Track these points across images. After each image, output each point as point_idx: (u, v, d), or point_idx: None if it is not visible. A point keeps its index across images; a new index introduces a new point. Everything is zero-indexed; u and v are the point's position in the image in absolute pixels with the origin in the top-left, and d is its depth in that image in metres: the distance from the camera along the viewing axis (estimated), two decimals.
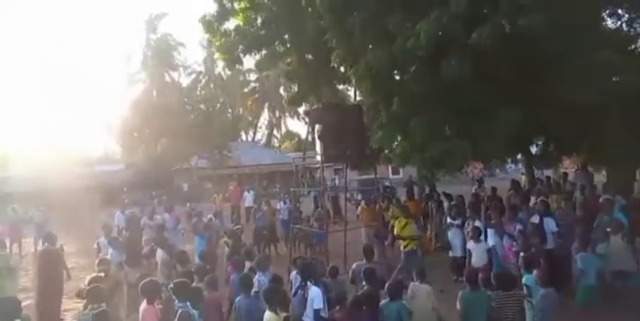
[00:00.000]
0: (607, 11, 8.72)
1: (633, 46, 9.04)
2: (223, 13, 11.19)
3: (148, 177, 31.96)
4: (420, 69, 7.26)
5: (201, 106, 36.33)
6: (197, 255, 7.74)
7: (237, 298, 5.33)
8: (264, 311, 4.77)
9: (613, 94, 6.29)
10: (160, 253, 7.64)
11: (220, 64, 29.69)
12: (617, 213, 7.74)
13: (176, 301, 4.61)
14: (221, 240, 10.52)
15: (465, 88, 7.08)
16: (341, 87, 10.11)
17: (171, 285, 4.79)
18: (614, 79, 6.86)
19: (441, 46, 6.55)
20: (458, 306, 5.10)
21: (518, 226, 7.65)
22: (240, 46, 10.99)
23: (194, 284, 5.80)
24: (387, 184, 21.85)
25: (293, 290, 5.69)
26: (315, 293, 5.15)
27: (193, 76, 43.42)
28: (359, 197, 19.49)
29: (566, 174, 13.02)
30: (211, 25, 11.02)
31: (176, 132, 32.22)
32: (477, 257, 7.56)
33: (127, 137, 34.87)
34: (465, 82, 6.82)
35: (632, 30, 8.96)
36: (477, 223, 8.22)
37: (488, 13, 6.29)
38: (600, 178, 11.66)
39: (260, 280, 5.87)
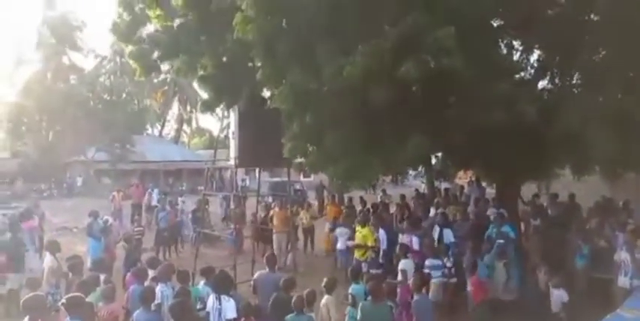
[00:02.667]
0: (504, 42, 9.56)
1: (523, 74, 10.00)
2: (136, 21, 10.57)
3: (37, 168, 29.01)
4: (343, 92, 7.46)
5: (104, 95, 33.75)
6: (90, 261, 7.12)
7: (136, 312, 5.00)
8: None
9: (505, 122, 6.95)
10: (49, 259, 6.93)
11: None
12: (505, 226, 8.51)
13: (67, 318, 4.19)
14: (120, 243, 9.85)
15: (380, 112, 7.41)
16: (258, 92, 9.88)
17: (64, 300, 4.35)
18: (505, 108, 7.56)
19: (367, 79, 6.81)
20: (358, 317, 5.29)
21: (414, 240, 8.12)
22: (156, 53, 10.42)
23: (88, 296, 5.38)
24: (297, 187, 21.95)
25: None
26: (229, 305, 5.01)
27: (97, 61, 40.19)
28: (269, 200, 19.44)
29: (462, 187, 14.10)
30: (123, 34, 10.35)
31: (72, 120, 29.57)
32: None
33: (13, 123, 31.29)
34: (383, 107, 7.14)
35: (523, 59, 9.91)
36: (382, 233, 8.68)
37: (414, 49, 6.67)
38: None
39: (162, 290, 5.58)
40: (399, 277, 6.92)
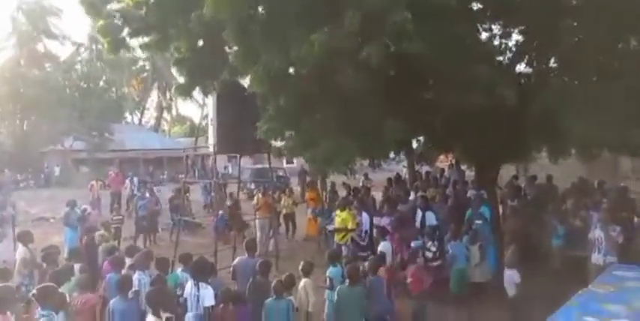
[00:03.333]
0: (482, 26, 9.54)
1: (501, 58, 10.04)
2: None
3: (13, 158, 28.33)
4: (315, 73, 7.37)
5: (80, 83, 32.89)
6: (67, 251, 6.99)
7: (112, 301, 4.94)
8: (141, 313, 4.49)
9: (483, 105, 6.96)
10: (21, 250, 6.77)
11: None
12: (483, 207, 8.62)
13: (39, 309, 4.11)
14: (97, 232, 9.70)
15: (354, 95, 7.35)
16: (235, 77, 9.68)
17: (34, 291, 4.25)
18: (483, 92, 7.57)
19: (336, 58, 6.72)
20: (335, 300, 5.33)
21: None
22: (126, 29, 10.05)
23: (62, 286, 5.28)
24: (280, 173, 21.89)
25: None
26: (207, 292, 4.98)
27: (73, 48, 39.07)
28: (252, 186, 19.34)
29: (442, 169, 14.23)
30: (93, 6, 9.92)
31: (48, 109, 28.82)
32: None
33: None
34: (355, 91, 7.08)
35: (502, 43, 9.94)
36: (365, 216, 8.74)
37: (376, 32, 6.59)
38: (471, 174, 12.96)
39: (140, 278, 5.51)
40: None
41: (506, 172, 13.24)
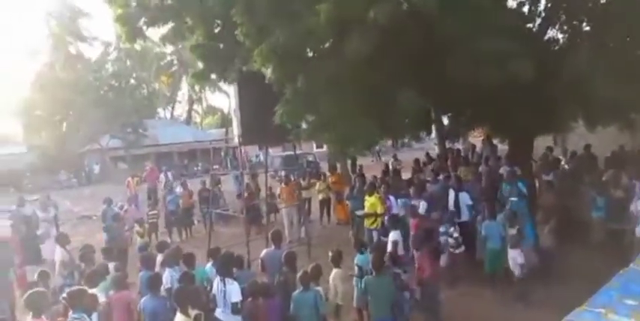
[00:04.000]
0: None
1: (531, 25, 9.49)
2: None
3: (55, 159, 29.57)
4: (325, 48, 7.11)
5: (112, 82, 33.73)
6: (101, 250, 7.19)
7: (143, 299, 5.05)
8: (172, 311, 4.56)
9: (504, 80, 6.58)
10: (59, 252, 7.04)
11: None
12: (518, 183, 8.26)
13: (71, 312, 4.24)
14: (135, 229, 9.99)
15: (369, 67, 7.05)
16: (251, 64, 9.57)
17: (65, 295, 4.38)
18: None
19: (344, 26, 6.41)
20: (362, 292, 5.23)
21: (422, 203, 7.96)
22: (143, 18, 10.04)
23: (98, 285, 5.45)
24: (310, 159, 21.87)
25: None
26: (233, 287, 5.01)
27: (103, 48, 39.98)
28: (283, 174, 19.41)
29: (474, 146, 13.78)
30: None
31: (84, 110, 29.78)
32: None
33: (29, 116, 31.69)
34: (369, 61, 6.78)
35: (531, 10, 9.38)
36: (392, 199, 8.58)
37: None
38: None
39: (171, 275, 5.61)
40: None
41: (543, 143, 12.70)
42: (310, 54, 7.65)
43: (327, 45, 7.11)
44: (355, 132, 7.01)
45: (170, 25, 10.54)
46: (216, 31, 10.07)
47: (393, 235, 6.99)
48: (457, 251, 7.26)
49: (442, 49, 7.01)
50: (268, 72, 7.52)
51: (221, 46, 10.19)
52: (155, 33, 11.09)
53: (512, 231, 6.76)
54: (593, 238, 7.43)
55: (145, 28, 10.22)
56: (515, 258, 6.41)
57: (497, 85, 7.05)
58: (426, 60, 7.29)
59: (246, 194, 11.68)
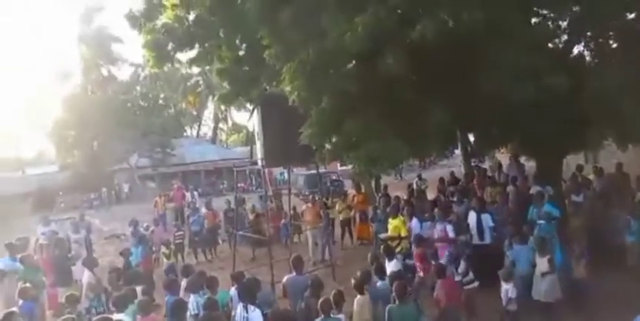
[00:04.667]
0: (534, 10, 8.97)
1: (557, 41, 9.37)
2: (151, 10, 10.53)
3: (86, 179, 30.39)
4: (355, 66, 7.13)
5: (141, 102, 34.73)
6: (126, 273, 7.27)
7: None
8: None
9: (537, 96, 6.49)
10: (87, 275, 7.17)
11: None
12: (547, 205, 8.05)
13: None
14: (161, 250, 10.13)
15: (399, 87, 7.04)
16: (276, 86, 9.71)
17: None
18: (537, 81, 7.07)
19: (378, 43, 6.41)
20: None
21: (449, 227, 7.80)
22: (170, 44, 10.38)
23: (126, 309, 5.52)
24: (334, 177, 21.82)
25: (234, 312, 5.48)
26: (255, 314, 4.98)
27: (132, 70, 41.38)
28: (307, 193, 19.39)
29: (500, 165, 13.52)
30: (137, 20, 10.33)
31: (114, 130, 30.67)
32: None
33: (61, 136, 32.81)
34: (400, 81, 6.76)
35: (555, 26, 9.28)
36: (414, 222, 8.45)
37: (429, 7, 6.16)
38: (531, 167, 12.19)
39: (196, 301, 5.63)
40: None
41: (573, 160, 12.33)
42: (334, 74, 7.67)
43: (352, 64, 7.13)
44: (382, 151, 6.95)
45: (196, 49, 10.87)
46: (241, 54, 10.31)
47: (392, 266, 6.60)
48: (469, 286, 6.73)
49: (477, 64, 6.95)
50: (292, 93, 7.56)
51: (246, 68, 10.41)
52: (182, 55, 11.41)
53: (544, 260, 6.45)
54: (629, 263, 7.12)
55: (172, 53, 10.56)
56: (507, 291, 6.16)
57: (528, 101, 6.95)
58: (458, 76, 7.24)
59: (251, 217, 11.71)
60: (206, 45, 10.77)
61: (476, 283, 6.70)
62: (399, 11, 6.18)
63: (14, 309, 5.61)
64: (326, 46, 6.87)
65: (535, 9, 8.93)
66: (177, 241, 11.52)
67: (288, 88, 7.64)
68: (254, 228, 11.68)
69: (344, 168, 27.75)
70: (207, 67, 34.15)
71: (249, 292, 5.16)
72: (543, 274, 6.26)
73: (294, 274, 5.99)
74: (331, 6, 6.99)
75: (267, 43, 7.92)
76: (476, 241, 7.87)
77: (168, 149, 31.48)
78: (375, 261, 6.16)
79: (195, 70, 43.53)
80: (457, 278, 6.54)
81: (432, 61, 7.08)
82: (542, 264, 6.44)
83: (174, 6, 10.17)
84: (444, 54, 6.90)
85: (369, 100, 7.66)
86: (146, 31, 10.50)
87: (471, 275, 6.62)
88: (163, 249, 9.93)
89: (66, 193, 29.73)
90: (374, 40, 6.31)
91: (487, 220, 7.91)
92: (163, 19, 10.65)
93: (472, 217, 7.98)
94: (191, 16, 10.47)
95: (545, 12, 8.88)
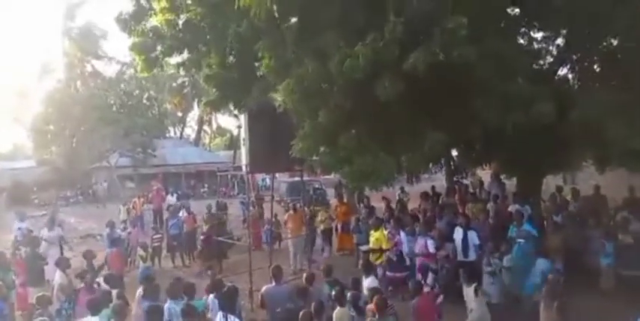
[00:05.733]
0: (521, 31, 9.18)
1: (542, 62, 9.59)
2: (141, 13, 10.47)
3: (63, 175, 29.76)
4: (352, 87, 7.25)
5: (124, 100, 34.24)
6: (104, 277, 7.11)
7: None
8: None
9: (524, 122, 6.67)
10: (58, 275, 6.97)
11: None
12: (526, 225, 8.18)
13: None
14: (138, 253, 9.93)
15: (394, 108, 7.18)
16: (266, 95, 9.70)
17: None
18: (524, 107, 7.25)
19: (376, 68, 6.58)
20: None
21: (430, 242, 7.85)
22: (159, 48, 10.31)
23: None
24: (316, 186, 21.81)
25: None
26: None
27: (117, 68, 40.79)
28: (289, 199, 19.34)
29: (482, 182, 13.71)
30: (127, 24, 10.23)
31: (95, 127, 30.15)
32: None
33: (40, 131, 32.07)
34: (394, 102, 6.90)
35: (542, 48, 9.51)
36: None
37: (423, 40, 6.38)
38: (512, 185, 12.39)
39: (171, 308, 5.52)
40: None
41: (552, 180, 12.59)
42: (330, 91, 7.77)
43: (350, 84, 7.24)
44: (374, 167, 7.05)
45: (185, 55, 10.80)
46: (230, 60, 10.27)
47: (369, 282, 6.39)
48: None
49: (469, 91, 7.14)
50: (287, 105, 7.61)
51: (234, 75, 10.38)
52: (171, 59, 11.31)
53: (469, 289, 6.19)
54: (604, 286, 7.25)
55: (160, 57, 10.47)
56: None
57: (515, 125, 7.13)
58: (451, 101, 7.41)
59: (206, 227, 11.53)
60: (195, 50, 10.72)
61: (440, 297, 6.59)
62: (396, 42, 6.36)
63: None
64: (327, 67, 7.00)
65: (523, 30, 9.17)
66: (155, 244, 11.33)
67: (281, 100, 7.72)
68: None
69: (327, 177, 27.78)
70: (194, 70, 34.12)
71: (229, 301, 5.10)
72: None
73: (274, 284, 5.92)
74: (333, 29, 7.14)
75: (264, 55, 7.97)
76: (460, 257, 7.89)
77: (149, 150, 31.06)
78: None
79: (181, 72, 43.28)
80: (426, 289, 6.51)
81: (425, 87, 7.25)
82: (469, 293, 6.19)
83: (163, 9, 10.11)
84: (437, 81, 7.08)
85: (363, 117, 7.78)
86: (135, 34, 10.41)
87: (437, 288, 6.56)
88: (140, 251, 9.75)
89: (41, 189, 29.05)
90: (373, 67, 6.49)
91: (473, 237, 7.97)
92: (153, 22, 10.60)
93: (458, 233, 8.04)
94: (181, 21, 10.42)
95: (532, 33, 9.12)
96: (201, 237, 11.57)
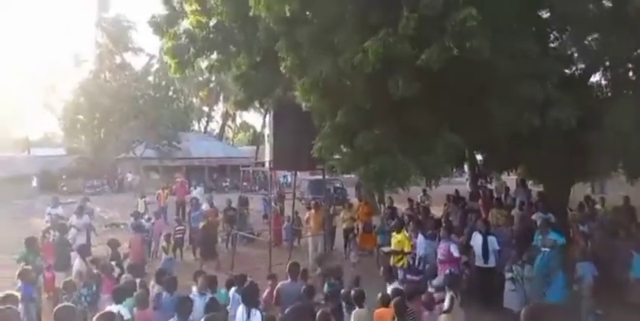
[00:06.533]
0: (553, 35, 8.99)
1: (574, 68, 9.35)
2: (173, 16, 10.71)
3: (90, 165, 30.49)
4: (367, 84, 7.23)
5: (151, 93, 34.80)
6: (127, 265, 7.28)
7: None
8: None
9: (540, 127, 6.55)
10: (77, 263, 7.15)
11: None
12: (552, 233, 7.99)
13: None
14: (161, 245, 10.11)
15: (410, 107, 7.13)
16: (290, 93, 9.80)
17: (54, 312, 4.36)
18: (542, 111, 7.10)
19: (388, 65, 6.52)
20: None
21: (452, 247, 7.78)
22: (191, 50, 10.52)
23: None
24: (337, 185, 21.77)
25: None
26: (256, 319, 4.94)
27: (146, 60, 41.49)
28: (310, 197, 19.36)
29: (507, 188, 13.49)
30: (160, 27, 10.49)
31: (122, 118, 30.78)
32: None
33: (71, 120, 32.89)
34: (410, 101, 6.85)
35: (573, 52, 9.27)
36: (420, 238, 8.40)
37: (435, 35, 6.28)
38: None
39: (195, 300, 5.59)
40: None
41: (580, 189, 12.27)
42: (348, 89, 7.77)
43: (365, 82, 7.22)
44: (391, 169, 7.02)
45: (215, 55, 10.99)
46: (258, 60, 10.39)
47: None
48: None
49: (485, 91, 7.03)
50: (307, 103, 7.67)
51: (261, 75, 10.50)
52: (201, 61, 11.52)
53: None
54: (630, 300, 7.04)
55: (192, 59, 10.67)
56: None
57: (534, 129, 7.00)
58: (467, 101, 7.31)
59: (202, 223, 11.46)
60: (225, 51, 10.89)
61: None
62: (408, 37, 6.29)
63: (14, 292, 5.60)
64: (339, 64, 7.00)
65: (552, 35, 8.97)
66: (177, 236, 11.50)
67: (301, 99, 7.77)
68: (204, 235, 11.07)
69: (348, 176, 27.79)
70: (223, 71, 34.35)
71: (252, 296, 5.16)
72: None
73: (289, 280, 5.96)
74: (347, 27, 7.14)
75: (283, 56, 8.04)
76: (480, 263, 7.78)
77: (174, 142, 31.54)
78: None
79: (202, 64, 43.53)
80: (430, 289, 6.39)
81: (441, 85, 7.17)
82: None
83: (195, 12, 10.30)
84: (453, 78, 6.99)
85: (381, 117, 7.76)
86: (168, 37, 10.65)
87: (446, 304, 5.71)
88: (163, 243, 9.93)
89: (69, 178, 29.79)
90: (384, 63, 6.44)
91: (493, 242, 7.83)
92: (185, 24, 10.82)
93: (477, 238, 7.92)
94: (212, 22, 10.59)
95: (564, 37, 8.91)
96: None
